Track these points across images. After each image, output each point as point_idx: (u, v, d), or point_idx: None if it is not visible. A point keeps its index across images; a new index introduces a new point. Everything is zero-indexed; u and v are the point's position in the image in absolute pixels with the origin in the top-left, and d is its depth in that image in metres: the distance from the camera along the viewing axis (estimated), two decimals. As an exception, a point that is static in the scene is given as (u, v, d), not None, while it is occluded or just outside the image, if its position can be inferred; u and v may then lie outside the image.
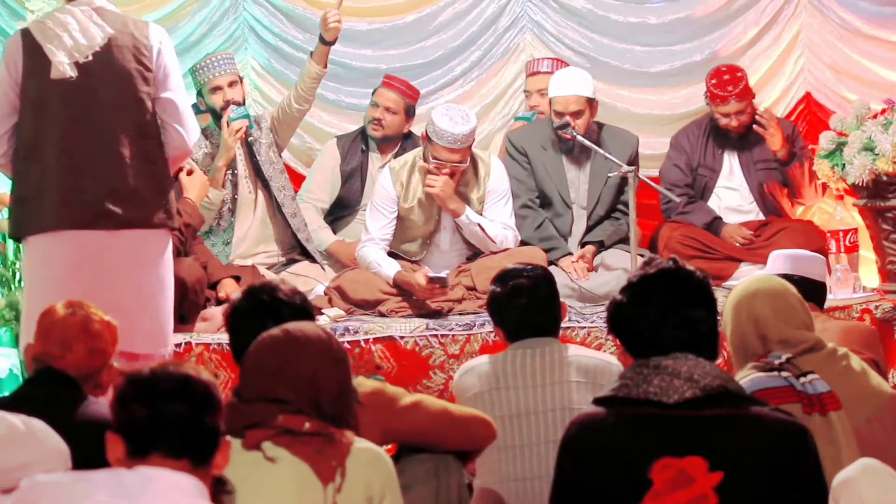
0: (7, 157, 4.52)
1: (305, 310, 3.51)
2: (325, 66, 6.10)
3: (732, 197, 6.39)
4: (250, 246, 6.18)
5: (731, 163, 6.40)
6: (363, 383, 3.40)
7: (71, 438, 2.92)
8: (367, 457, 2.92)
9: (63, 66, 4.43)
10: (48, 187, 4.43)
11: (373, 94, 6.45)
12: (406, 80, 6.51)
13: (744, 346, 3.58)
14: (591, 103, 6.03)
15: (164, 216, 4.54)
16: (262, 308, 3.45)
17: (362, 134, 6.50)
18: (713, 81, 6.25)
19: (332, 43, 6.04)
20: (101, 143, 4.45)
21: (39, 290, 4.41)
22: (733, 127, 6.28)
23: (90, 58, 4.45)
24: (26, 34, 4.50)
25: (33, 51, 4.46)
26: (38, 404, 3.21)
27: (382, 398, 3.42)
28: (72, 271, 4.41)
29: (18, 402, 3.34)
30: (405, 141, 6.46)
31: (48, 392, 3.38)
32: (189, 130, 4.59)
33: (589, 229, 6.15)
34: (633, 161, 6.02)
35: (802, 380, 3.41)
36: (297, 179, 6.68)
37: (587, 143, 5.81)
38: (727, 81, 6.22)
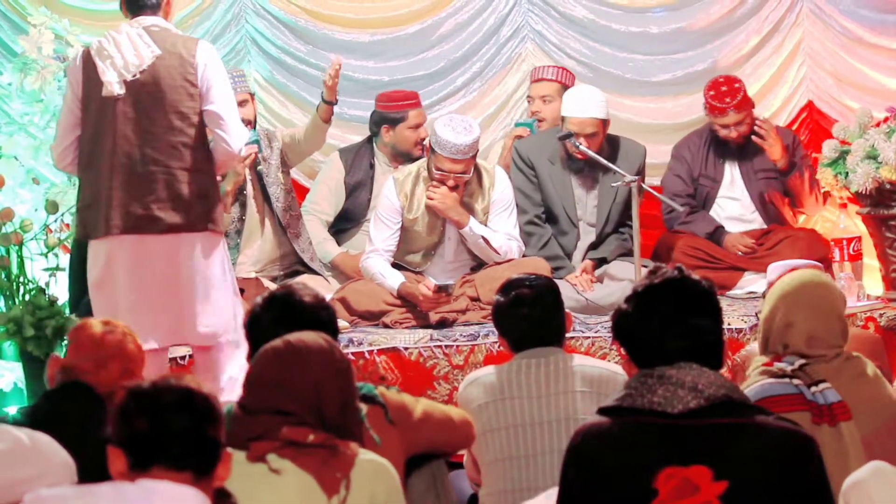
0: (73, 165, 4.95)
1: (330, 322, 3.43)
2: (328, 122, 6.14)
3: (734, 206, 6.39)
4: (261, 268, 6.17)
5: (731, 173, 6.39)
6: (385, 394, 3.39)
7: (97, 454, 2.91)
8: (372, 468, 2.92)
9: (112, 84, 4.79)
10: (101, 195, 4.80)
11: (400, 120, 6.33)
12: (412, 91, 6.50)
13: (766, 338, 3.56)
14: (605, 123, 6.02)
15: (207, 221, 4.86)
16: (282, 315, 3.37)
17: (368, 146, 6.48)
18: (711, 93, 6.24)
19: (334, 102, 6.04)
20: (149, 155, 4.80)
21: (97, 291, 4.87)
22: (733, 138, 6.28)
23: (138, 76, 4.80)
24: (86, 53, 4.89)
25: (91, 69, 4.84)
26: (66, 416, 3.23)
27: (404, 413, 3.40)
28: (124, 273, 4.81)
29: (45, 412, 3.34)
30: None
31: (76, 405, 3.38)
32: (233, 137, 4.88)
33: (594, 246, 6.14)
34: (640, 172, 6.02)
35: (814, 389, 3.39)
36: (301, 191, 6.68)
37: (595, 156, 5.79)
38: (725, 93, 6.21)
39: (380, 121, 6.39)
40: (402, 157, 6.37)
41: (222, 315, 4.92)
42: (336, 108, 6.83)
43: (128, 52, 4.81)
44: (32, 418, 3.28)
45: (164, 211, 4.79)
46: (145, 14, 4.91)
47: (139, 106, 4.80)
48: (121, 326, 3.55)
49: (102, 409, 3.37)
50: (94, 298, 4.90)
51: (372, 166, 6.42)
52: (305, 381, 2.90)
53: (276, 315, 3.40)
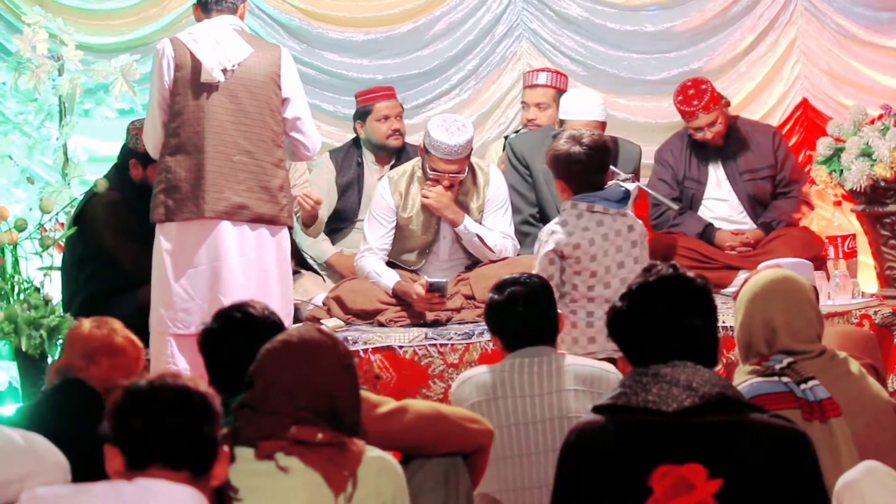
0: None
1: (277, 328, 3.43)
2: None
3: (722, 207, 6.38)
4: None
5: (716, 174, 6.38)
6: None
7: (90, 449, 2.91)
8: (378, 465, 2.92)
9: (214, 70, 4.98)
10: (194, 180, 5.00)
11: (366, 115, 6.38)
12: (383, 86, 6.51)
13: (748, 344, 3.57)
14: (604, 126, 6.02)
15: (286, 216, 5.15)
16: (234, 327, 3.40)
17: (355, 147, 6.48)
18: (679, 98, 6.23)
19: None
20: (243, 146, 5.04)
21: (172, 272, 5.04)
22: (709, 139, 6.27)
23: (236, 67, 5.03)
24: (177, 41, 5.07)
25: (183, 56, 5.03)
26: (61, 413, 3.24)
27: (365, 405, 3.39)
28: (207, 257, 5.03)
29: (38, 408, 3.35)
30: (401, 149, 6.46)
31: (72, 402, 3.39)
32: (312, 142, 5.24)
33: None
34: (636, 172, 6.02)
35: (803, 386, 3.40)
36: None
37: None
38: (692, 96, 6.20)
39: (354, 117, 6.46)
40: (381, 151, 6.40)
41: (287, 307, 5.13)
42: (331, 107, 6.86)
43: (226, 43, 5.03)
44: (31, 416, 3.29)
45: (254, 201, 5.03)
46: (223, 14, 5.12)
47: (235, 97, 5.02)
48: (110, 322, 3.59)
49: (99, 403, 3.39)
50: (167, 283, 5.03)
51: (359, 164, 6.43)
52: (316, 381, 2.90)
53: (224, 325, 3.43)
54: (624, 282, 4.63)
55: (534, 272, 4.76)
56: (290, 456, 2.85)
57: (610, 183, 5.63)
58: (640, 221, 4.98)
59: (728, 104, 6.34)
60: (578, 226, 4.81)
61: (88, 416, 3.32)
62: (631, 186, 5.01)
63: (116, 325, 3.59)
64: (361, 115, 6.40)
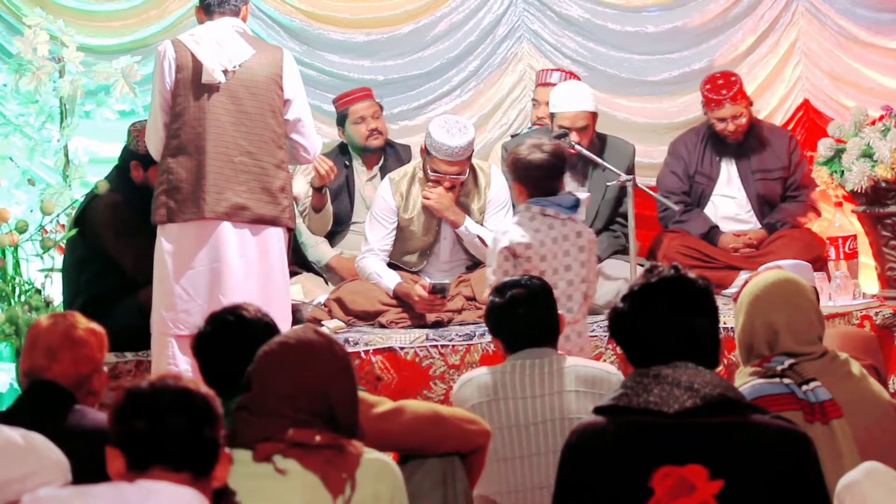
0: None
1: (270, 330, 3.42)
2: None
3: (729, 205, 6.39)
4: None
5: (728, 171, 6.40)
6: None
7: (62, 449, 2.91)
8: (377, 468, 2.91)
9: (214, 71, 4.98)
10: (195, 180, 4.99)
11: (344, 119, 6.39)
12: (358, 88, 6.52)
13: (750, 345, 3.56)
14: (595, 116, 6.03)
15: (288, 217, 5.13)
16: (228, 330, 3.40)
17: (342, 152, 6.48)
18: (707, 86, 6.28)
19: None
20: (244, 147, 5.03)
21: (173, 273, 5.02)
22: (730, 132, 6.29)
23: (237, 68, 5.03)
24: (178, 43, 5.07)
25: (184, 56, 5.03)
26: (29, 417, 3.21)
27: (361, 406, 3.39)
28: (206, 257, 5.02)
29: (11, 416, 3.34)
30: (388, 150, 6.46)
31: (39, 404, 3.38)
32: (312, 145, 5.22)
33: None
34: (630, 170, 6.01)
35: (804, 388, 3.39)
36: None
37: (590, 155, 5.78)
38: (721, 85, 6.24)
39: (336, 123, 6.48)
40: (365, 153, 6.40)
41: (285, 308, 5.12)
42: (332, 108, 6.85)
43: (227, 44, 5.03)
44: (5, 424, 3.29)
45: (254, 202, 5.02)
46: (225, 16, 5.12)
47: (236, 98, 5.02)
48: (69, 316, 3.54)
49: (66, 402, 3.39)
50: (168, 283, 5.01)
51: (347, 167, 6.44)
52: (313, 383, 2.89)
53: (217, 328, 3.44)
54: (570, 283, 4.89)
55: (490, 269, 4.85)
56: (287, 458, 2.84)
57: (609, 183, 5.70)
58: (591, 229, 5.08)
59: (751, 102, 6.37)
60: (531, 227, 4.87)
61: (57, 418, 3.32)
62: (583, 196, 5.13)
63: (76, 317, 3.54)
64: (340, 120, 6.43)
